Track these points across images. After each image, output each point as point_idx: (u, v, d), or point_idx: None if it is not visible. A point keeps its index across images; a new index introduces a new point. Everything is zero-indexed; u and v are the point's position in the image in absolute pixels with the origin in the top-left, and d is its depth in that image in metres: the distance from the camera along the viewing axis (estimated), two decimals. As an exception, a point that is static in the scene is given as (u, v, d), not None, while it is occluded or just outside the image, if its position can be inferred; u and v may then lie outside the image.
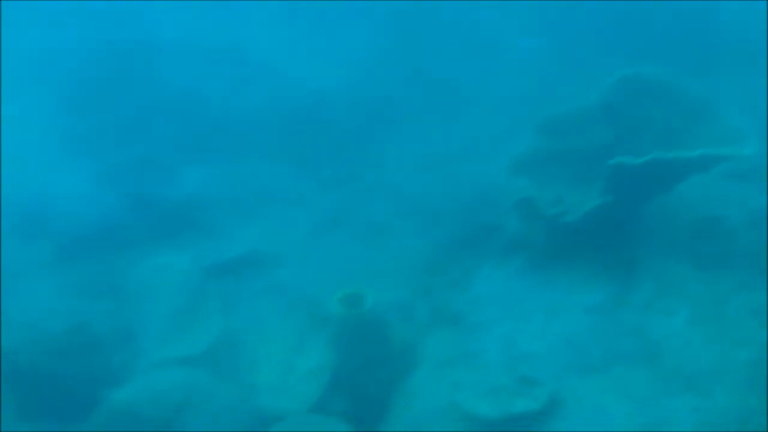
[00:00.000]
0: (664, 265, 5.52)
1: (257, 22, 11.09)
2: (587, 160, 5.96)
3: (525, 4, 9.80)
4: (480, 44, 10.12)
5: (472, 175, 7.82)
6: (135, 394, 5.76)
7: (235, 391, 5.85)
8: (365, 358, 5.58)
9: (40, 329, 6.58)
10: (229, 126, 9.91)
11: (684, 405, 4.54)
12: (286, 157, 9.38)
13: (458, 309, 6.00)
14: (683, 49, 8.01)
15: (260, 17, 11.11)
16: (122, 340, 6.69)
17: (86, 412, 5.83)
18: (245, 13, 11.09)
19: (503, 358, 5.25)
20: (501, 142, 7.81)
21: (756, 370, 4.56)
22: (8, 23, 11.11)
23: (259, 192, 8.80)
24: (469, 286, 6.22)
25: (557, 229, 5.70)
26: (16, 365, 6.25)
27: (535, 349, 5.22)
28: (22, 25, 11.11)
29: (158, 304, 6.82)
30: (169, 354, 6.27)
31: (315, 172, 9.06)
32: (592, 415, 4.65)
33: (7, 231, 8.49)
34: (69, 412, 5.98)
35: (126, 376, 6.23)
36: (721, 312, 5.08)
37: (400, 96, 9.98)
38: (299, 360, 5.96)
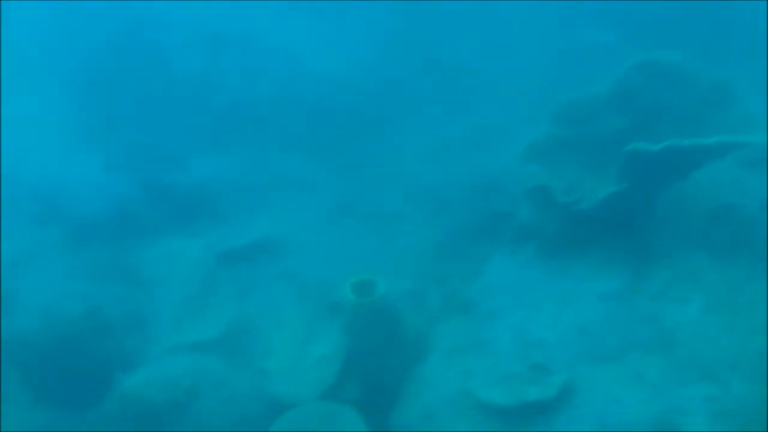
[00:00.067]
0: (679, 253, 5.45)
1: (268, 8, 11.03)
2: (602, 147, 5.89)
3: (539, -10, 9.72)
4: (493, 30, 10.03)
5: (485, 163, 7.77)
6: (147, 380, 5.80)
7: (246, 377, 5.87)
8: (377, 346, 5.57)
9: (53, 314, 6.62)
10: (241, 113, 9.90)
11: (699, 393, 4.49)
12: (297, 144, 9.36)
13: (470, 297, 5.97)
14: (700, 34, 7.90)
15: (271, 4, 11.05)
16: (135, 326, 6.72)
17: (99, 396, 5.87)
18: (256, 0, 11.03)
19: (516, 346, 5.22)
20: (514, 128, 7.76)
21: (772, 358, 4.52)
22: (19, 12, 11.11)
23: (271, 179, 8.79)
24: (481, 274, 6.20)
25: (571, 217, 5.64)
26: (28, 350, 6.29)
27: (548, 337, 5.18)
28: (32, 14, 11.10)
29: (171, 289, 6.85)
30: (182, 340, 6.30)
31: (326, 160, 9.04)
32: (605, 403, 4.61)
33: (20, 217, 8.52)
34: (81, 396, 6.01)
35: (138, 362, 6.26)
36: (737, 300, 5.01)
37: (411, 83, 9.93)
38: (311, 347, 5.97)
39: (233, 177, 8.84)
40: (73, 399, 6.05)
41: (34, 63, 10.82)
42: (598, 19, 9.06)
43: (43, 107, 10.22)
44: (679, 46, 6.25)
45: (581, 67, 8.11)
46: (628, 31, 8.49)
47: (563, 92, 6.43)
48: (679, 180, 5.59)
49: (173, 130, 9.62)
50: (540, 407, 4.72)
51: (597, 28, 8.98)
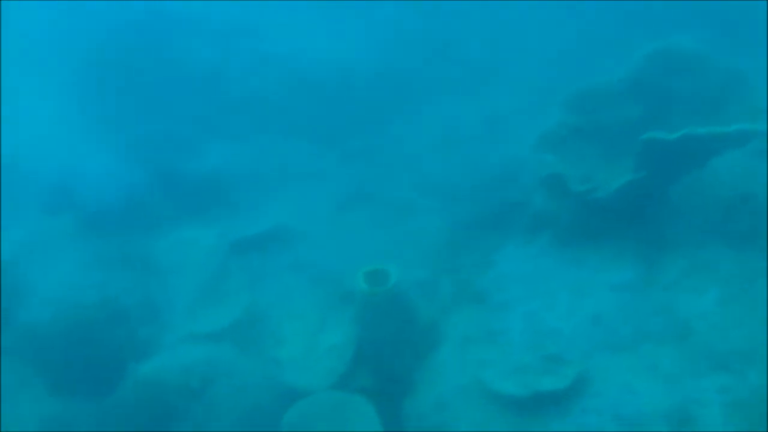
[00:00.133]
0: (695, 243, 5.41)
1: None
2: (617, 136, 5.84)
3: (552, -22, 9.61)
4: (505, 18, 9.94)
5: (498, 151, 7.73)
6: (161, 368, 5.82)
7: (259, 366, 5.88)
8: (389, 335, 5.56)
9: (66, 304, 6.65)
10: (252, 102, 9.88)
11: (714, 385, 4.45)
12: (309, 133, 9.34)
13: (483, 287, 5.95)
14: (716, 21, 7.80)
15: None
16: (148, 315, 6.75)
17: (113, 385, 5.89)
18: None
19: (529, 336, 5.20)
20: (528, 117, 7.69)
21: (788, 349, 4.47)
22: (32, 2, 11.12)
23: (283, 168, 8.79)
24: (494, 263, 6.17)
25: (585, 207, 5.60)
26: (43, 339, 6.32)
27: (562, 327, 5.16)
28: (45, 4, 11.10)
29: (184, 278, 6.87)
30: (195, 328, 6.32)
31: (338, 148, 9.02)
32: (619, 394, 4.59)
33: (34, 206, 8.57)
34: (95, 385, 6.04)
35: (152, 350, 6.29)
36: (752, 291, 4.96)
37: (423, 71, 9.87)
38: (323, 336, 5.97)
39: (245, 166, 8.84)
40: (87, 387, 6.09)
41: (47, 52, 10.83)
42: (612, 7, 8.95)
43: (55, 97, 10.23)
44: (695, 33, 6.18)
45: (596, 54, 8.04)
46: (643, 18, 8.39)
47: (577, 80, 6.38)
48: (695, 169, 5.53)
49: (185, 120, 9.62)
50: (553, 398, 4.70)
51: (611, 15, 8.88)
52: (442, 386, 5.21)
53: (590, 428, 4.50)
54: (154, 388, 5.65)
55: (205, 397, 5.57)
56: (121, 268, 7.28)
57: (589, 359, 4.86)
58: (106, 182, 8.33)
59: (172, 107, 9.79)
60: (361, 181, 8.27)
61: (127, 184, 8.26)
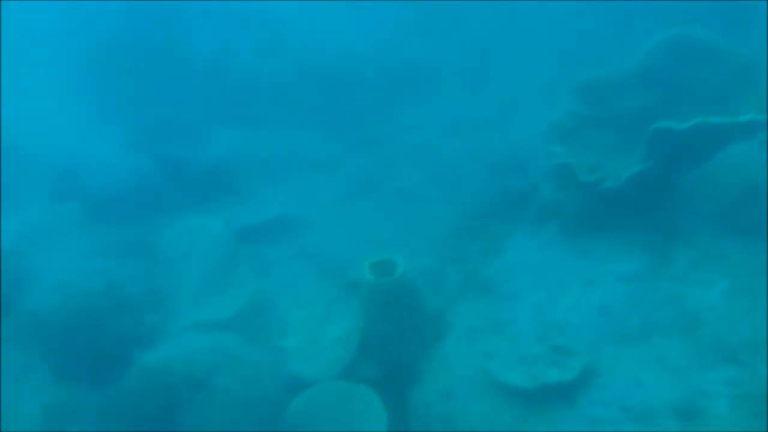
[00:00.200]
0: (704, 235, 5.37)
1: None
2: (627, 126, 5.79)
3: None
4: (515, 6, 9.85)
5: (506, 141, 7.70)
6: (166, 356, 5.80)
7: (265, 355, 5.87)
8: (395, 325, 5.53)
9: (72, 290, 6.65)
10: (260, 90, 9.85)
11: (722, 377, 4.41)
12: (316, 121, 9.32)
13: (490, 277, 5.92)
14: (727, 10, 7.71)
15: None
16: (154, 302, 6.74)
17: (118, 373, 5.88)
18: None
19: (536, 327, 5.16)
20: (536, 106, 7.65)
21: (798, 342, 4.43)
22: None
23: (289, 156, 8.77)
24: (502, 253, 6.14)
25: (594, 197, 5.56)
26: (48, 326, 6.33)
27: (570, 318, 5.12)
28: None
29: (190, 266, 6.85)
30: (201, 317, 6.31)
31: (345, 137, 8.99)
32: (627, 386, 4.56)
33: (39, 193, 8.57)
34: (100, 373, 6.04)
35: (157, 338, 6.29)
36: (762, 283, 4.90)
37: (431, 59, 9.82)
38: (329, 326, 5.95)
39: (252, 154, 8.83)
40: (92, 375, 6.09)
41: (54, 40, 10.82)
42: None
43: (62, 84, 10.22)
44: (706, 22, 6.10)
45: (605, 43, 7.96)
46: (653, 6, 8.29)
47: (587, 69, 6.31)
48: (705, 159, 5.48)
49: (192, 107, 9.60)
50: (560, 389, 4.67)
51: (622, 4, 8.78)
52: (449, 376, 5.19)
53: (597, 420, 4.48)
54: (158, 377, 5.63)
55: (210, 386, 5.56)
56: (126, 255, 7.28)
57: (596, 351, 4.83)
58: (112, 169, 8.33)
59: (180, 94, 9.77)
60: (368, 170, 8.25)
61: (133, 172, 8.26)
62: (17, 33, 10.71)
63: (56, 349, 6.27)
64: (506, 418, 4.75)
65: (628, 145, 5.73)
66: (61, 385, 6.17)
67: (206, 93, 9.80)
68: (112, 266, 7.10)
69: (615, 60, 6.23)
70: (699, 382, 4.43)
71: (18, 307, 6.73)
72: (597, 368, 4.72)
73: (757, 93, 5.53)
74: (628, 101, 6.00)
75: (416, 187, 7.80)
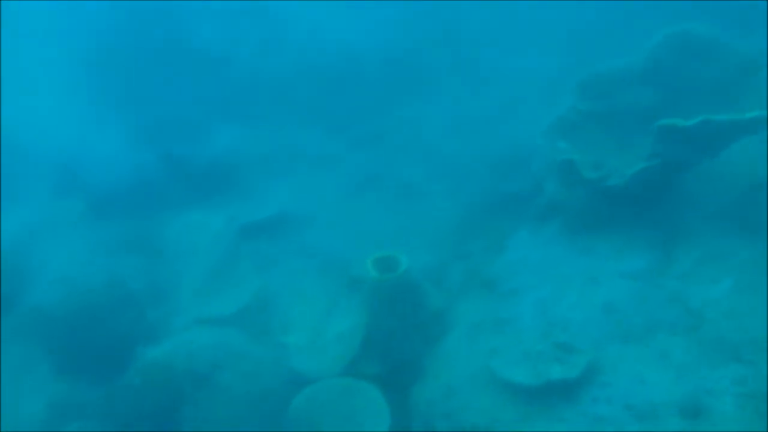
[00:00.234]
0: (709, 232, 5.33)
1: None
2: (631, 122, 5.76)
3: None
4: (516, 3, 9.81)
5: (508, 137, 7.67)
6: (169, 352, 5.81)
7: (267, 351, 5.87)
8: (398, 322, 5.53)
9: (74, 286, 6.66)
10: (262, 86, 9.84)
11: (727, 375, 4.39)
12: (319, 117, 9.30)
13: (493, 274, 5.90)
14: (731, 5, 7.66)
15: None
16: (156, 298, 6.75)
17: (120, 369, 5.88)
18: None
19: (539, 324, 5.14)
20: (539, 103, 7.62)
21: (803, 340, 4.41)
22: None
23: (291, 152, 8.77)
24: (505, 250, 6.12)
25: (598, 194, 5.53)
26: (50, 321, 6.33)
27: (573, 315, 5.09)
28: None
29: (192, 262, 6.85)
30: (203, 313, 6.31)
31: (347, 133, 8.97)
32: (631, 384, 4.54)
33: (42, 188, 8.58)
34: (103, 368, 6.04)
35: (160, 334, 6.29)
36: (766, 280, 4.88)
37: (433, 55, 9.79)
38: (332, 322, 5.94)
39: (254, 150, 8.83)
40: (95, 371, 6.09)
41: (56, 37, 10.80)
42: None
43: (64, 80, 10.21)
44: (711, 17, 6.07)
45: (610, 39, 7.92)
46: (659, 3, 8.24)
47: (591, 65, 6.28)
48: (710, 156, 5.45)
49: (194, 104, 9.59)
50: (563, 387, 4.65)
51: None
52: (451, 373, 5.17)
53: (600, 418, 4.46)
54: (161, 373, 5.64)
55: (213, 382, 5.56)
56: (129, 251, 7.29)
57: (600, 348, 4.81)
58: (114, 166, 8.33)
59: (182, 91, 9.76)
60: (370, 166, 8.23)
61: (135, 168, 8.26)
62: (19, 30, 10.69)
63: (59, 344, 6.27)
64: (509, 415, 4.74)
65: (632, 142, 5.70)
66: (63, 381, 6.18)
67: (208, 90, 9.80)
68: (114, 262, 7.10)
69: (618, 56, 6.19)
70: (703, 381, 4.41)
71: (21, 302, 6.73)
72: (600, 366, 4.70)
73: (760, 90, 5.50)
74: (632, 98, 5.97)
75: (418, 184, 7.78)
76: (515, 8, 9.75)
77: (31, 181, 8.77)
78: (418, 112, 9.16)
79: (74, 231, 7.79)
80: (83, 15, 10.80)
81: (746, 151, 5.47)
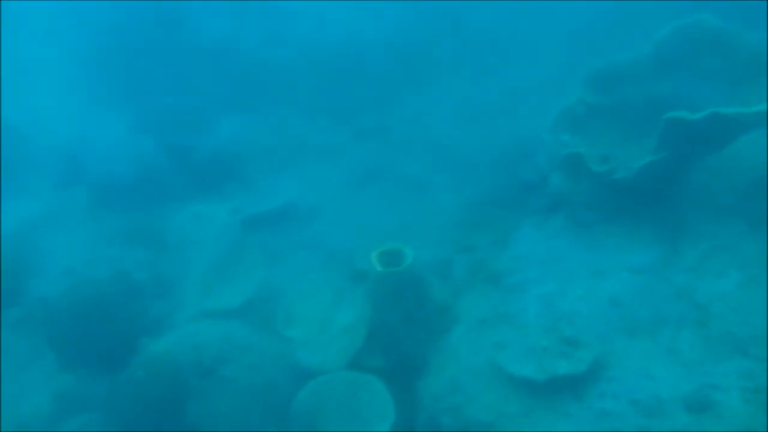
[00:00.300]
0: (716, 226, 5.30)
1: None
2: (639, 115, 5.72)
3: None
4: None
5: (514, 129, 7.63)
6: (174, 345, 5.80)
7: (272, 344, 5.86)
8: (403, 316, 5.51)
9: (78, 277, 6.66)
10: (267, 77, 9.81)
11: (734, 370, 4.37)
12: (323, 109, 9.27)
13: (498, 267, 5.87)
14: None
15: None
16: (161, 290, 6.75)
17: (124, 361, 5.88)
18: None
19: (545, 318, 5.11)
20: (546, 95, 7.57)
21: (811, 335, 4.38)
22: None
23: (296, 143, 8.74)
24: (510, 244, 6.09)
25: (605, 187, 5.49)
26: (54, 313, 6.32)
27: (579, 310, 5.06)
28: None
29: (197, 254, 6.84)
30: (208, 306, 6.30)
31: (353, 125, 8.95)
32: (637, 379, 4.51)
33: (45, 179, 8.57)
34: (107, 360, 6.04)
35: (165, 326, 6.29)
36: (774, 275, 4.86)
37: (439, 47, 9.74)
38: (336, 316, 5.92)
39: (258, 141, 8.81)
40: (99, 363, 6.09)
41: (60, 27, 10.78)
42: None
43: (68, 70, 10.20)
44: (721, 9, 6.01)
45: (618, 31, 7.86)
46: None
47: (598, 57, 6.23)
48: (718, 150, 5.41)
49: (199, 94, 9.58)
50: (569, 381, 4.63)
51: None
52: (457, 368, 5.15)
53: (607, 413, 4.44)
54: (165, 365, 5.63)
55: (218, 374, 5.56)
56: (133, 242, 7.28)
57: (606, 343, 4.78)
58: (118, 156, 8.31)
59: (186, 81, 9.74)
60: (375, 158, 8.21)
61: (139, 158, 8.24)
62: (22, 21, 10.68)
63: (63, 336, 6.27)
64: (514, 409, 4.72)
65: (639, 135, 5.66)
66: (67, 373, 6.18)
67: (213, 81, 9.78)
68: (118, 254, 7.10)
69: (626, 48, 6.14)
70: (710, 375, 4.39)
71: (25, 294, 6.73)
72: (607, 360, 4.67)
73: (769, 83, 5.46)
74: (640, 90, 5.93)
75: (424, 176, 7.76)
76: (521, 1, 9.70)
77: (35, 173, 8.77)
78: (423, 105, 9.13)
79: (78, 222, 7.79)
80: (87, 6, 10.77)
81: (754, 144, 5.43)
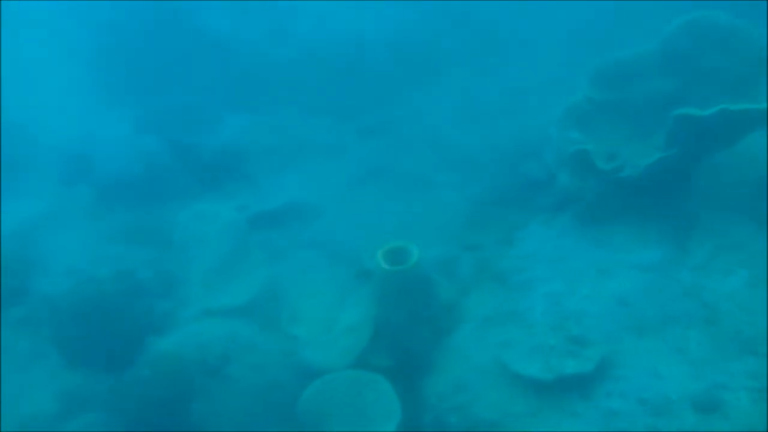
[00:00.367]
0: (725, 224, 5.27)
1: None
2: (646, 112, 5.67)
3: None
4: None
5: (520, 126, 7.60)
6: (178, 343, 5.79)
7: (277, 343, 5.85)
8: (408, 314, 5.48)
9: (83, 276, 6.64)
10: (271, 75, 9.80)
11: (742, 369, 4.34)
12: (326, 107, 9.25)
13: (504, 266, 5.84)
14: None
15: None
16: (166, 288, 6.73)
17: (129, 359, 5.87)
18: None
19: (552, 317, 5.08)
20: (553, 91, 7.51)
21: (820, 334, 4.35)
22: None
23: (300, 141, 8.73)
24: (516, 242, 6.06)
25: (612, 185, 5.45)
26: (59, 312, 6.31)
27: (586, 308, 5.03)
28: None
29: (201, 252, 6.83)
30: (213, 304, 6.29)
31: (356, 122, 8.93)
32: (645, 378, 4.48)
33: (50, 177, 8.58)
34: (112, 358, 6.03)
35: (169, 325, 6.27)
36: (783, 273, 4.82)
37: (443, 44, 9.71)
38: (342, 314, 5.90)
39: (262, 139, 8.79)
40: (104, 361, 6.08)
41: (63, 24, 10.79)
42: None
43: (72, 68, 10.20)
44: (728, 5, 5.95)
45: (625, 26, 7.81)
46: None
47: (604, 53, 6.17)
48: (726, 147, 5.36)
49: (203, 92, 9.57)
50: (576, 381, 4.60)
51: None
52: (463, 367, 5.13)
53: (614, 412, 4.41)
54: (170, 364, 5.62)
55: (222, 373, 5.54)
56: (137, 241, 7.27)
57: (613, 342, 4.75)
58: (123, 154, 8.31)
59: (191, 79, 9.74)
60: (379, 156, 8.19)
61: (144, 156, 8.24)
62: (25, 18, 10.68)
63: (68, 335, 6.26)
64: (520, 409, 4.70)
65: (647, 132, 5.62)
66: (72, 371, 6.17)
67: (217, 79, 9.77)
68: (122, 252, 7.09)
69: (633, 44, 6.08)
70: (718, 374, 4.36)
71: (29, 293, 6.73)
72: (614, 359, 4.64)
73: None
74: (647, 86, 5.87)
75: (429, 174, 7.73)
76: (522, 0, 9.66)
77: (38, 171, 8.78)
78: (428, 102, 9.11)
79: (82, 221, 7.78)
80: (91, 4, 10.77)
81: (761, 141, 5.38)
